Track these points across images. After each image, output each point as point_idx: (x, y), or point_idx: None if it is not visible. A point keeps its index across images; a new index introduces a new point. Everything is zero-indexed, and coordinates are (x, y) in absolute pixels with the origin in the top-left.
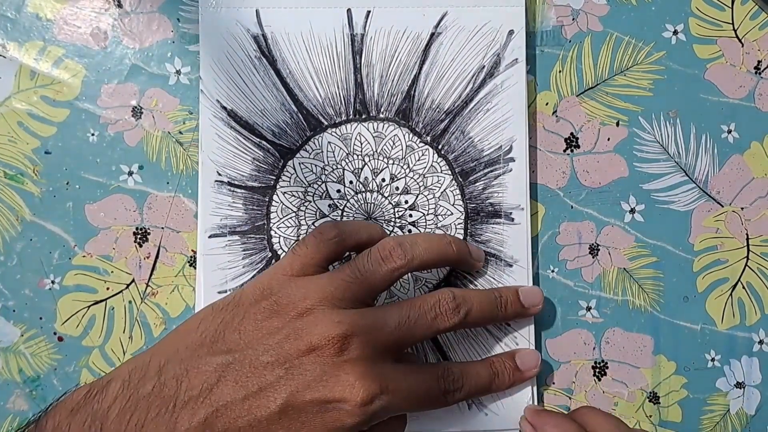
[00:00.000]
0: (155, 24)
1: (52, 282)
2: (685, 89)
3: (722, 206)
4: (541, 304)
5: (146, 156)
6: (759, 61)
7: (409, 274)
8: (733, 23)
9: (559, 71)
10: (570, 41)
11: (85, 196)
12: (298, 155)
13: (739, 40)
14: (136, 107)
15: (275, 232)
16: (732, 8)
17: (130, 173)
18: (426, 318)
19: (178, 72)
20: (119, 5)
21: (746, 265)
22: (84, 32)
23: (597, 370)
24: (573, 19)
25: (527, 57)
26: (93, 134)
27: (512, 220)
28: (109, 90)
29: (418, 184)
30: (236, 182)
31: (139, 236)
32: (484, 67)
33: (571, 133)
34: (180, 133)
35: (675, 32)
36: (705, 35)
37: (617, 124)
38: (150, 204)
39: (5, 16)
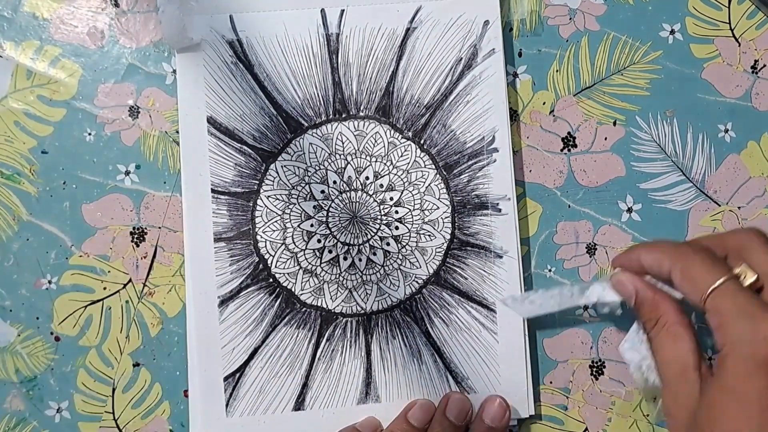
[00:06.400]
0: (152, 23)
1: (49, 282)
2: (682, 89)
3: (719, 205)
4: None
5: (143, 155)
6: (756, 61)
7: (399, 271)
8: (729, 23)
9: (557, 71)
10: (567, 41)
11: (81, 196)
12: (280, 158)
13: (736, 40)
14: (132, 107)
15: (261, 237)
16: (729, 8)
17: (127, 173)
18: None
19: (174, 71)
20: (116, 4)
21: None
22: (81, 31)
23: (594, 369)
24: (570, 19)
25: (524, 55)
26: (90, 134)
27: (499, 210)
28: (105, 89)
29: (402, 180)
30: (219, 189)
31: (136, 236)
32: (461, 59)
33: (568, 133)
34: (177, 132)
35: (672, 32)
36: (702, 35)
37: (614, 123)
38: (147, 203)
39: (2, 16)
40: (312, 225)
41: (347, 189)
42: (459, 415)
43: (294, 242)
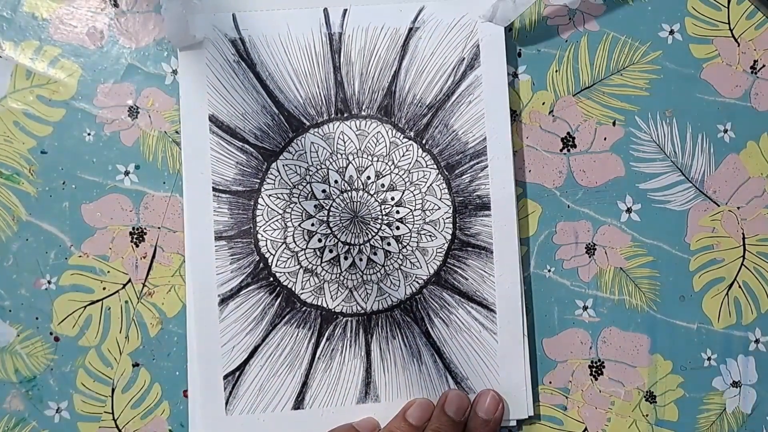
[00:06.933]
0: (151, 24)
1: (48, 282)
2: (682, 89)
3: (718, 206)
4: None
5: (142, 156)
6: (755, 61)
7: (399, 271)
8: (729, 23)
9: (556, 71)
10: (567, 41)
11: (81, 196)
12: (281, 157)
13: (735, 40)
14: (132, 107)
15: (262, 236)
16: (728, 8)
17: (127, 173)
18: None
19: (174, 72)
20: (115, 5)
21: (742, 264)
22: (80, 32)
23: (594, 369)
24: (569, 19)
25: (524, 55)
26: (89, 134)
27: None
28: (105, 89)
29: (403, 180)
30: (221, 187)
31: (135, 236)
32: (463, 59)
33: (568, 133)
34: (176, 132)
35: (671, 32)
36: (701, 35)
37: (614, 123)
38: (146, 204)
39: (1, 16)
40: (313, 224)
41: (348, 188)
42: (458, 412)
43: (295, 241)
